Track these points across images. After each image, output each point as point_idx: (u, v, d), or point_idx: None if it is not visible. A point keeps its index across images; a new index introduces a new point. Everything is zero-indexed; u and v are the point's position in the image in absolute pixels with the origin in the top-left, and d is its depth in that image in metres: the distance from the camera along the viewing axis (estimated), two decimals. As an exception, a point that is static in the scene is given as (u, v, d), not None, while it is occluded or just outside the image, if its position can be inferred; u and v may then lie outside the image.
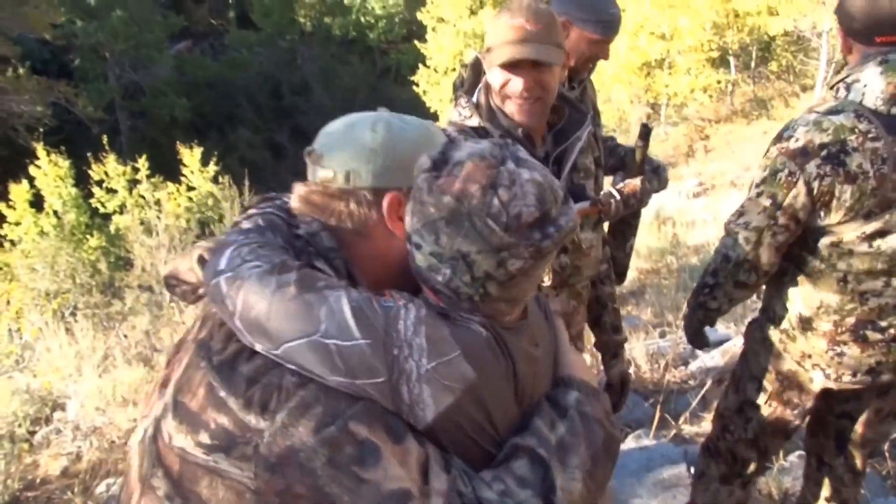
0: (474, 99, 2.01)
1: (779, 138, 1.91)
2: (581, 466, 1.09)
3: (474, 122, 1.96)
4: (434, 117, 19.85)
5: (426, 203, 1.05)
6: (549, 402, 1.17)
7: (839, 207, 1.83)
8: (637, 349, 4.72)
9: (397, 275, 1.16)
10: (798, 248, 1.98)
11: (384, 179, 1.15)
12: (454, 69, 20.08)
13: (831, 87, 1.94)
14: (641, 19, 16.77)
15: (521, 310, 1.17)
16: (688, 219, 10.22)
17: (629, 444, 3.48)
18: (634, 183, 2.34)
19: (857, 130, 1.79)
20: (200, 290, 1.20)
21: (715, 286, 2.07)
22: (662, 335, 5.10)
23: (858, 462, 2.22)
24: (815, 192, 1.83)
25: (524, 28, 1.80)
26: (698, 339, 2.29)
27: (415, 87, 21.82)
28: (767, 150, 1.95)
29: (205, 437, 1.01)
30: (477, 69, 2.12)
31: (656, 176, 2.57)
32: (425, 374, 0.99)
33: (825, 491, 2.30)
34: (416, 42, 22.94)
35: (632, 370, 4.58)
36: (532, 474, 1.05)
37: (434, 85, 21.11)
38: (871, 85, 1.81)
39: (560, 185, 1.09)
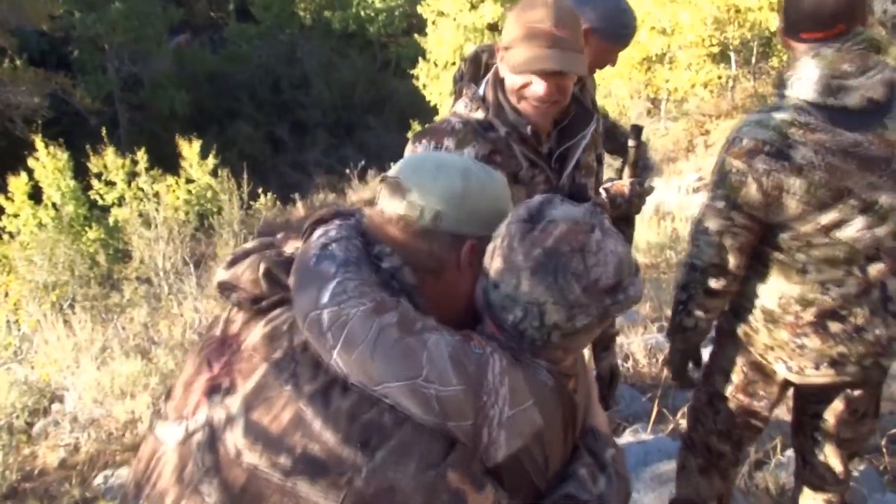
0: (480, 92, 1.98)
1: (728, 144, 1.95)
2: None
3: (479, 115, 1.94)
4: (434, 111, 19.81)
5: (515, 250, 1.15)
6: (590, 454, 1.26)
7: (791, 201, 1.86)
8: (635, 344, 4.72)
9: (457, 312, 1.24)
10: (760, 244, 2.00)
11: (466, 226, 1.23)
12: (454, 63, 20.01)
13: (775, 87, 1.99)
14: (642, 14, 16.73)
15: (574, 358, 1.27)
16: (687, 213, 10.20)
17: (627, 438, 3.48)
18: (622, 183, 2.34)
19: (797, 123, 1.84)
20: (264, 303, 1.22)
21: (688, 300, 2.07)
22: (661, 330, 5.10)
23: (839, 463, 2.21)
24: (765, 188, 1.87)
25: (552, 34, 1.75)
26: (683, 378, 2.27)
27: (415, 81, 21.75)
28: (720, 155, 1.99)
29: (285, 460, 1.05)
30: (477, 63, 2.11)
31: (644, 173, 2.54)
32: (505, 421, 1.08)
33: (812, 489, 2.30)
34: (416, 36, 22.87)
35: (629, 364, 4.58)
36: None
37: (434, 79, 21.03)
38: (806, 79, 1.85)
39: (625, 251, 1.18)
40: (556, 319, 1.14)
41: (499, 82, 1.93)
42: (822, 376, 2.02)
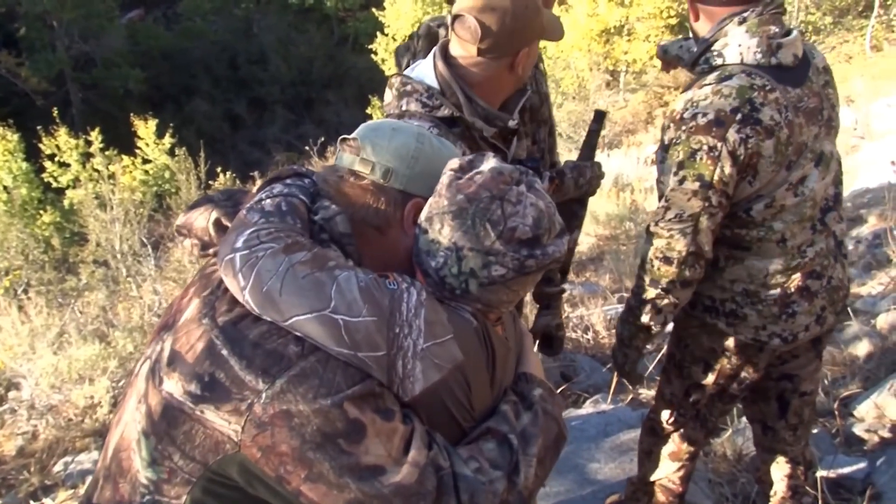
0: (434, 86, 1.82)
1: (680, 121, 1.84)
2: (536, 455, 1.20)
3: (445, 112, 1.80)
4: (393, 86, 19.64)
5: (443, 196, 1.19)
6: (517, 394, 1.29)
7: (765, 165, 1.83)
8: (595, 315, 4.77)
9: (398, 270, 1.24)
10: (728, 230, 1.94)
11: (415, 185, 1.25)
12: (413, 37, 19.86)
13: (696, 65, 1.93)
14: (600, -14, 16.76)
15: (497, 316, 1.29)
16: (647, 185, 10.27)
17: (587, 408, 3.53)
18: (582, 165, 2.35)
19: (755, 87, 1.81)
20: (211, 251, 1.29)
21: (661, 294, 1.93)
22: (621, 301, 5.15)
23: (799, 419, 2.25)
24: (741, 158, 1.80)
25: None
26: (635, 375, 2.20)
27: (373, 56, 21.55)
28: (668, 138, 1.88)
29: (195, 388, 1.08)
30: (431, 38, 2.03)
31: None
32: (420, 353, 1.09)
33: (775, 454, 2.34)
34: (373, 10, 22.61)
35: (590, 336, 4.63)
36: (501, 457, 1.17)
37: (392, 53, 20.87)
38: (744, 43, 1.83)
39: (549, 209, 1.20)
40: (473, 266, 1.16)
41: (457, 75, 1.80)
42: (810, 335, 2.03)
